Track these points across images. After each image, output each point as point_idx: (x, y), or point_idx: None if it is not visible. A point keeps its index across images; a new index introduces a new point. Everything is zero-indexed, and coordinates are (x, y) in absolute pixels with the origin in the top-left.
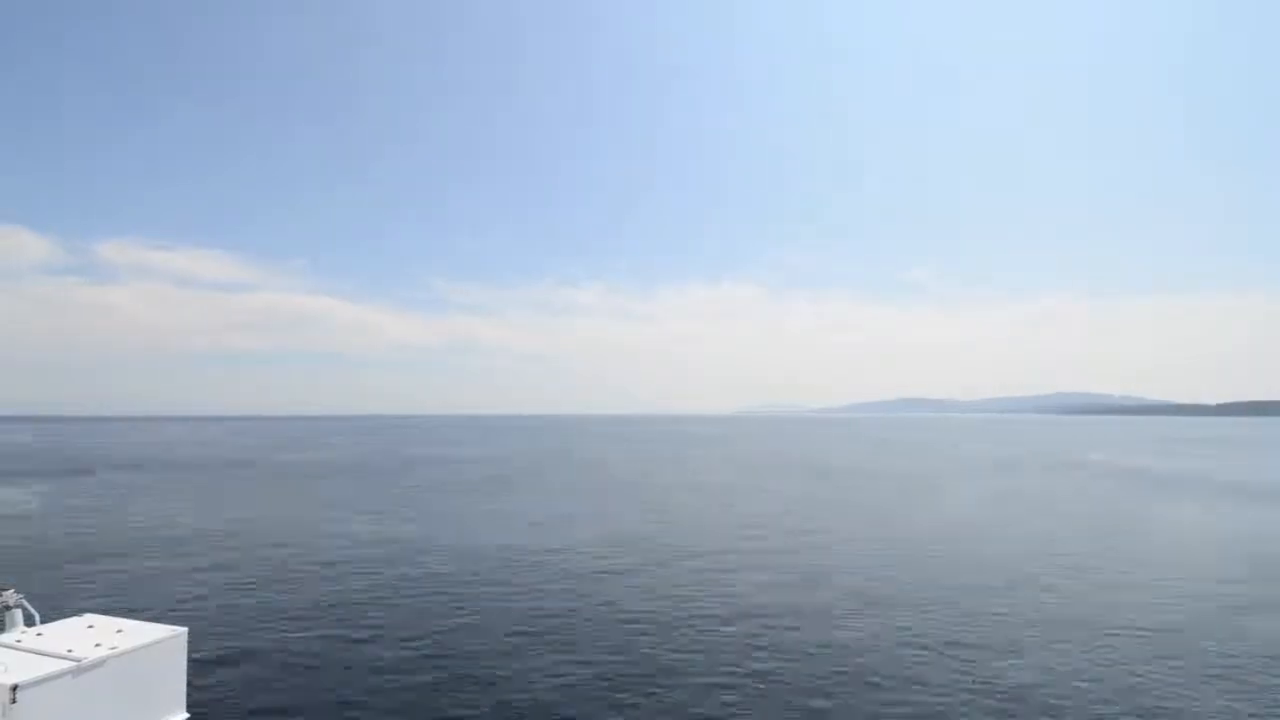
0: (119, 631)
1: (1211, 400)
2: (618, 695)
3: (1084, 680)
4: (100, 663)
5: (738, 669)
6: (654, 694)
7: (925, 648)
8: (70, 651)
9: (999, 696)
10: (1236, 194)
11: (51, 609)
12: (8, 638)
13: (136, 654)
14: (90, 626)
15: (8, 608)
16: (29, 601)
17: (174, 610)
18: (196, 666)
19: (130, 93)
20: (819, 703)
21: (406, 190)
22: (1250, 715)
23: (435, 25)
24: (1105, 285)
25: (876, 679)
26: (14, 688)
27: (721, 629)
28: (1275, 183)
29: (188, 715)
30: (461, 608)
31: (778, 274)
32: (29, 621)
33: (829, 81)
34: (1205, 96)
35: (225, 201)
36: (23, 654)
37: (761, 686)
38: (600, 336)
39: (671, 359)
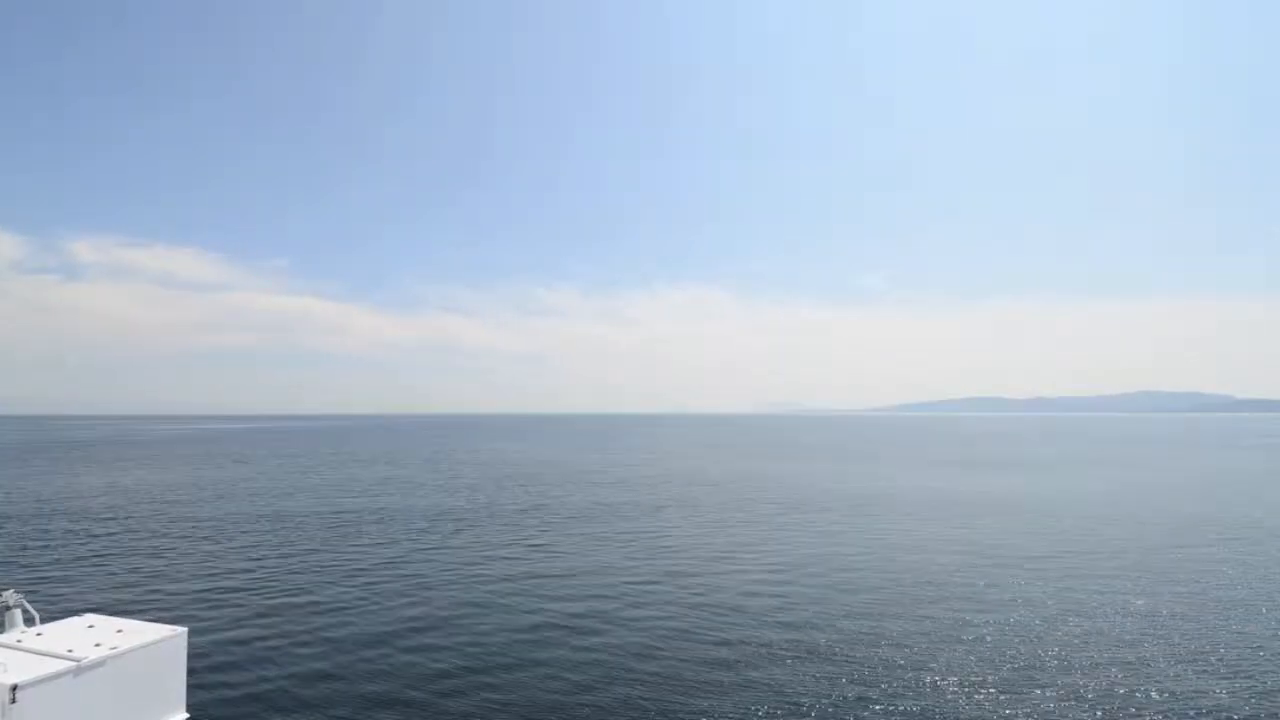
0: (119, 631)
1: None
2: None
3: None
4: (100, 663)
5: None
6: None
7: None
8: (70, 651)
9: None
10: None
11: (51, 609)
12: (8, 638)
13: (136, 654)
14: (90, 626)
15: (8, 608)
16: (29, 601)
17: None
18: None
19: (108, 93)
20: None
21: (390, 192)
22: None
23: (426, 27)
24: (1082, 288)
25: None
26: (14, 688)
27: None
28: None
29: (188, 715)
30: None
31: (741, 279)
32: (29, 621)
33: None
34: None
35: (205, 201)
36: (23, 654)
37: None
38: (582, 337)
39: (659, 359)
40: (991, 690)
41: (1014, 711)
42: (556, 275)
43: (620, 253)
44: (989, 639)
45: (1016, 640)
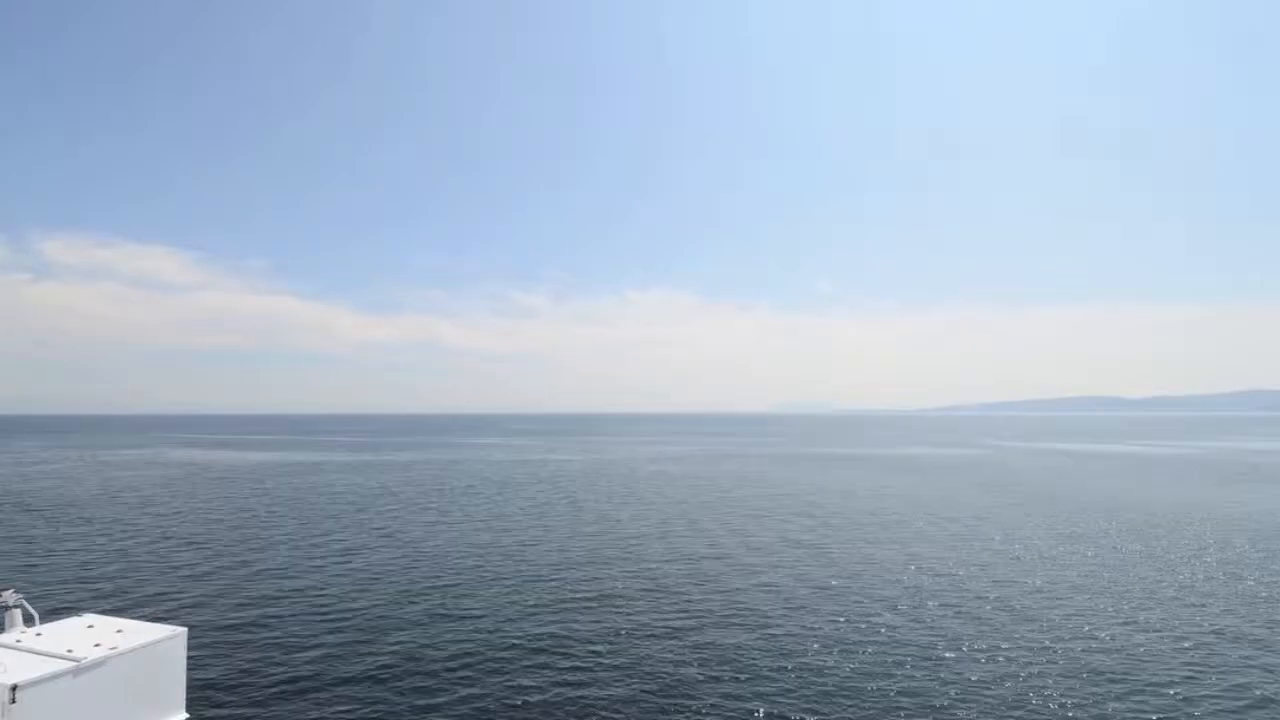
0: (119, 631)
1: None
2: None
3: None
4: (100, 663)
5: None
6: None
7: None
8: (70, 651)
9: None
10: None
11: (51, 609)
12: (7, 638)
13: (136, 654)
14: (90, 626)
15: (8, 608)
16: (29, 601)
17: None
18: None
19: (81, 92)
20: None
21: (370, 194)
22: None
23: (415, 30)
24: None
25: None
26: (14, 688)
27: None
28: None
29: (188, 715)
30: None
31: (705, 283)
32: (29, 621)
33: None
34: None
35: (182, 201)
36: (22, 654)
37: None
38: (566, 339)
39: (650, 360)
40: None
41: None
42: (533, 279)
43: (599, 256)
44: None
45: None
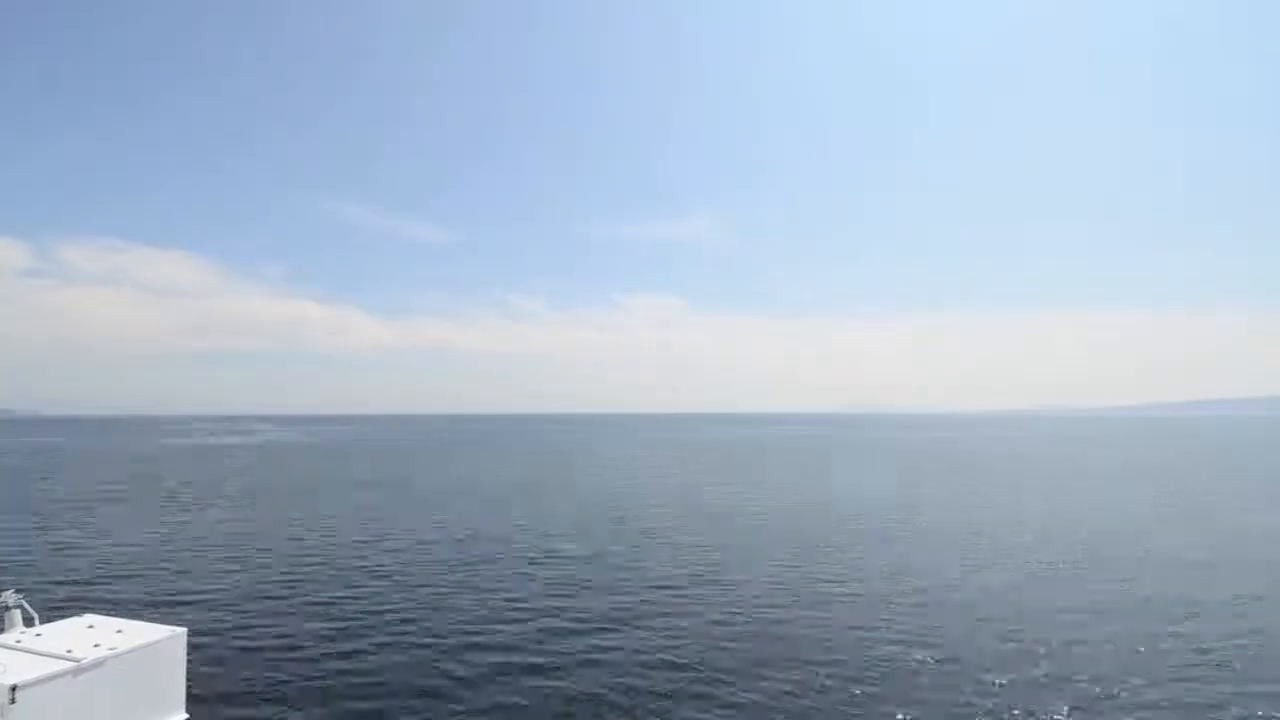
0: (119, 632)
1: None
2: None
3: None
4: (100, 663)
5: None
6: None
7: None
8: (69, 652)
9: None
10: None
11: (51, 609)
12: (7, 638)
13: (136, 654)
14: (90, 626)
15: (7, 608)
16: (29, 601)
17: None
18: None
19: (87, 93)
20: None
21: (377, 198)
22: None
23: (426, 38)
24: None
25: None
26: (13, 688)
27: None
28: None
29: (187, 715)
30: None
31: (683, 291)
32: (28, 621)
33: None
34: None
35: (195, 205)
36: (22, 654)
37: None
38: (576, 341)
39: (666, 361)
40: None
41: None
42: (535, 285)
43: (604, 259)
44: None
45: None
